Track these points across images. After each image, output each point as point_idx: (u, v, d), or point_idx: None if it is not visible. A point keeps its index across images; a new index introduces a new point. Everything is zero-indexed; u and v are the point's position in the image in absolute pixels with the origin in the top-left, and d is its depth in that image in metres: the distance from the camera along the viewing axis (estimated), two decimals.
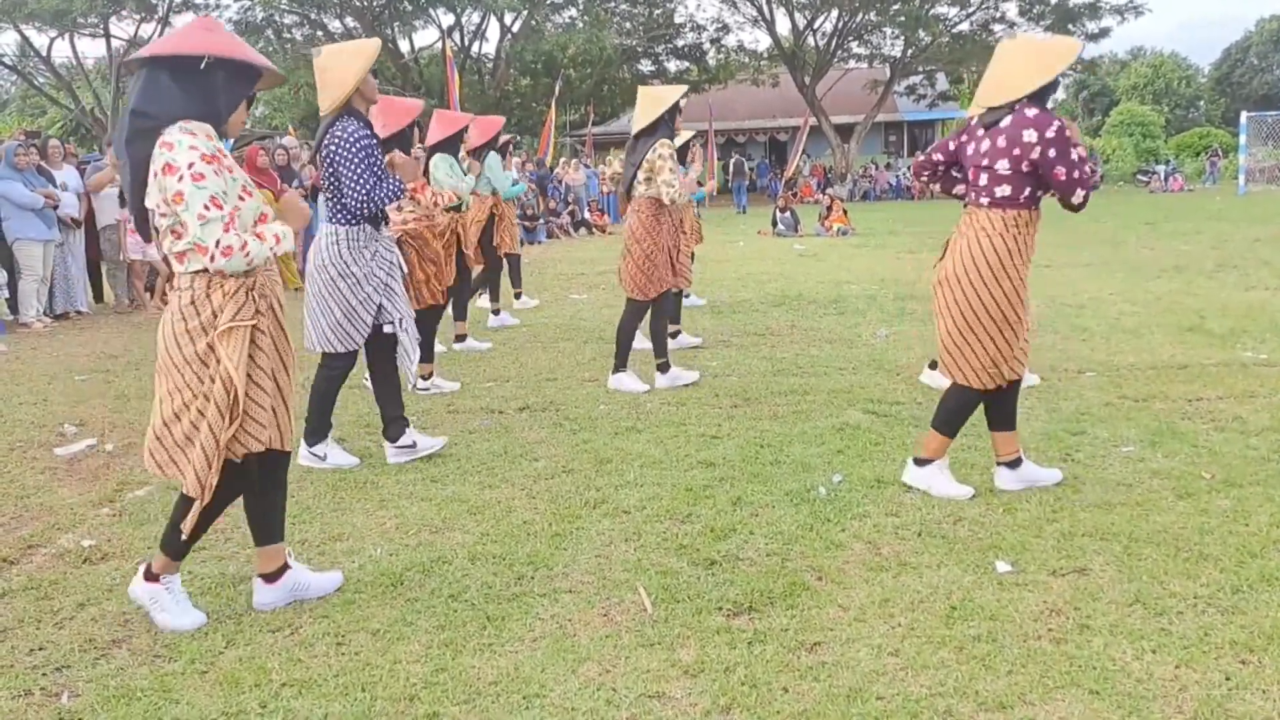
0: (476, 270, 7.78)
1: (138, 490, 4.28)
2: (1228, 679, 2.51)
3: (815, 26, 33.11)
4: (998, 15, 32.35)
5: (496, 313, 8.57)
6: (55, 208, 9.14)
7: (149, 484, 4.36)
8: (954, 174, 3.94)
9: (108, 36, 29.75)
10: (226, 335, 2.80)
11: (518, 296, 9.55)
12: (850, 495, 3.89)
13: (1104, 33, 31.96)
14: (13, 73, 32.26)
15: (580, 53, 26.69)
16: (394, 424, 4.54)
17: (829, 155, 34.36)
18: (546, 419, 5.25)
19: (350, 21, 29.28)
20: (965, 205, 3.81)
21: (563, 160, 23.14)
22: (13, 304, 9.17)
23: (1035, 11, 31.50)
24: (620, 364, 5.89)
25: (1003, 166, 3.61)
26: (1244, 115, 28.63)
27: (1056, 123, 3.55)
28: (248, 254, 2.77)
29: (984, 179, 3.67)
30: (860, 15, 31.69)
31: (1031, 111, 3.58)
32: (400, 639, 2.84)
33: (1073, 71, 34.02)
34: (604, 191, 23.20)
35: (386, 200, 4.25)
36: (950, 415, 3.89)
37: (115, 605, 3.11)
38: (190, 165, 2.71)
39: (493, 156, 7.88)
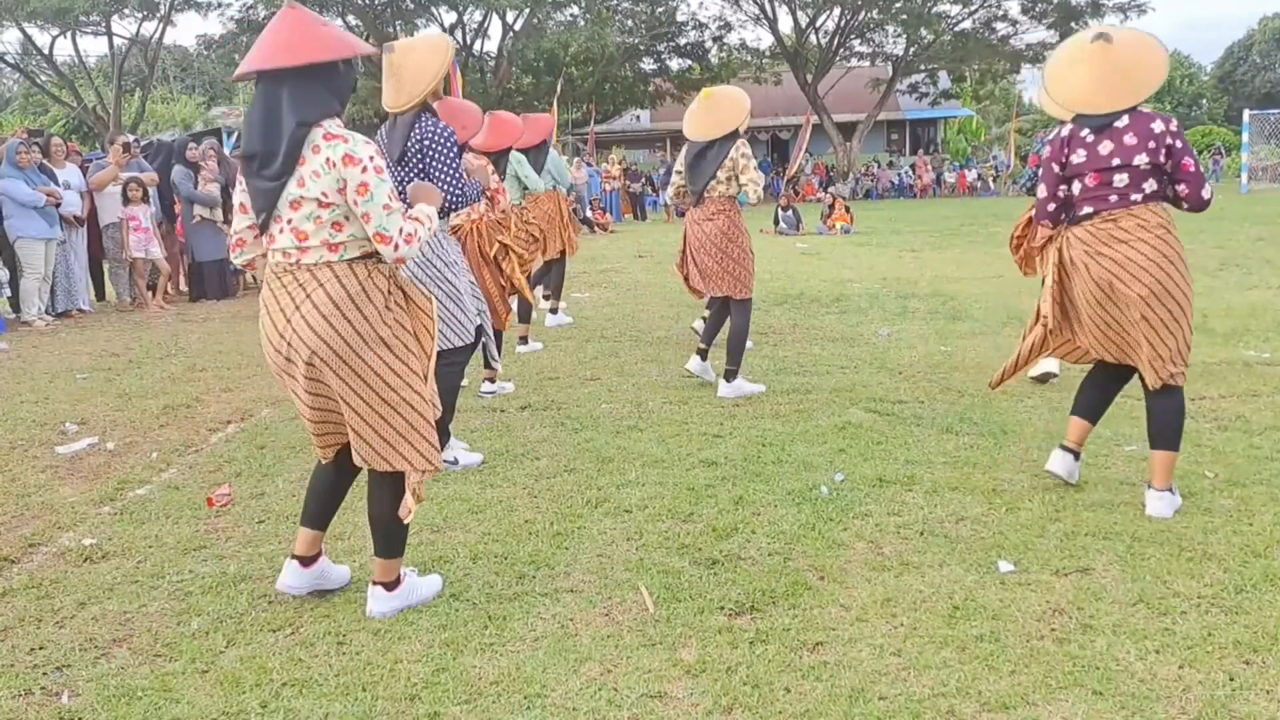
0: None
1: (139, 489, 4.28)
2: (1231, 679, 2.50)
3: (817, 24, 33.06)
4: (1000, 13, 32.28)
5: (555, 311, 8.54)
6: (57, 206, 9.14)
7: (150, 483, 4.36)
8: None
9: (109, 34, 29.74)
10: (418, 315, 2.91)
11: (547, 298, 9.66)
12: (852, 494, 3.88)
13: None
14: (15, 71, 32.27)
15: (582, 51, 26.69)
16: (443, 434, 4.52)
17: (831, 153, 34.32)
18: (548, 418, 5.25)
19: (352, 20, 29.27)
20: (1089, 214, 3.59)
21: (564, 159, 23.12)
22: (15, 302, 9.18)
23: (1038, 10, 31.44)
24: (736, 370, 5.64)
25: (1142, 161, 3.50)
26: (1246, 113, 28.58)
27: (1174, 119, 3.56)
28: (420, 239, 2.82)
29: (1122, 179, 3.53)
30: (862, 13, 31.63)
31: (1146, 108, 3.55)
32: (401, 639, 2.83)
33: None
34: (605, 190, 23.19)
35: (471, 200, 4.29)
36: (1179, 425, 3.69)
37: (116, 604, 3.11)
38: (371, 159, 2.76)
39: (553, 154, 7.95)
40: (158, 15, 28.83)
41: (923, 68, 34.39)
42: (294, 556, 3.08)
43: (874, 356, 6.60)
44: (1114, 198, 3.56)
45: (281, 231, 2.81)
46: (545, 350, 7.21)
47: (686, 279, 5.88)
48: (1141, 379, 3.70)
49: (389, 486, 2.93)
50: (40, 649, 2.84)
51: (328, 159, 2.75)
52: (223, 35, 28.81)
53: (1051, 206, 3.72)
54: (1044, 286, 3.82)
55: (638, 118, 37.36)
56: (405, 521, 2.93)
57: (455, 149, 4.16)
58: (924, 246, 14.64)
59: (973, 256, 12.66)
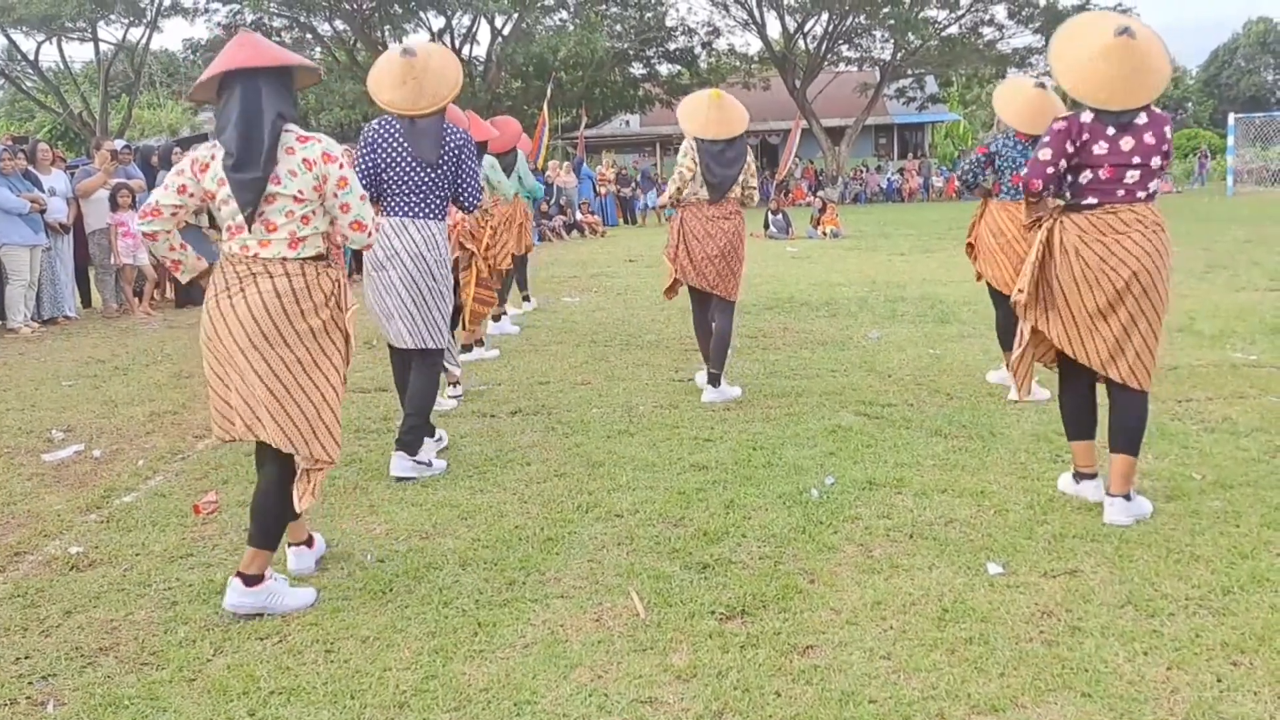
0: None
1: (125, 496, 4.25)
2: (1219, 680, 2.51)
3: (805, 30, 33.13)
4: (986, 18, 32.42)
5: (498, 319, 8.31)
6: (42, 212, 9.09)
7: (136, 490, 4.33)
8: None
9: (95, 40, 29.60)
10: (351, 317, 3.11)
11: (526, 300, 9.68)
12: (842, 497, 3.89)
13: None
14: (0, 77, 32.08)
15: (571, 55, 26.68)
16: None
17: (820, 158, 34.40)
18: (538, 422, 5.24)
19: (340, 25, 29.23)
20: (1092, 205, 3.57)
21: (553, 163, 23.10)
22: (0, 309, 9.11)
23: (1024, 14, 31.58)
24: (720, 373, 5.62)
25: (1156, 161, 3.57)
26: (1232, 117, 28.76)
27: None
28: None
29: (1134, 176, 3.55)
30: (850, 18, 31.73)
31: (1158, 109, 3.58)
32: (390, 646, 2.82)
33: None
34: (600, 194, 23.17)
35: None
36: (1141, 430, 3.65)
37: (102, 612, 3.09)
38: (342, 154, 3.02)
39: (522, 159, 8.14)
40: (144, 21, 28.70)
41: (910, 73, 34.49)
42: (239, 574, 3.07)
43: (863, 360, 6.61)
44: (1121, 192, 3.58)
45: (253, 221, 2.98)
46: (536, 354, 7.20)
47: (679, 275, 5.61)
48: (1106, 377, 3.66)
49: (286, 473, 3.05)
50: (26, 658, 2.82)
51: (304, 159, 2.95)
52: (209, 40, 28.73)
53: (1050, 170, 3.55)
54: (1025, 266, 3.75)
55: (627, 122, 37.37)
56: (299, 510, 3.07)
57: (477, 154, 4.36)
58: (912, 250, 14.68)
59: (960, 260, 12.60)
